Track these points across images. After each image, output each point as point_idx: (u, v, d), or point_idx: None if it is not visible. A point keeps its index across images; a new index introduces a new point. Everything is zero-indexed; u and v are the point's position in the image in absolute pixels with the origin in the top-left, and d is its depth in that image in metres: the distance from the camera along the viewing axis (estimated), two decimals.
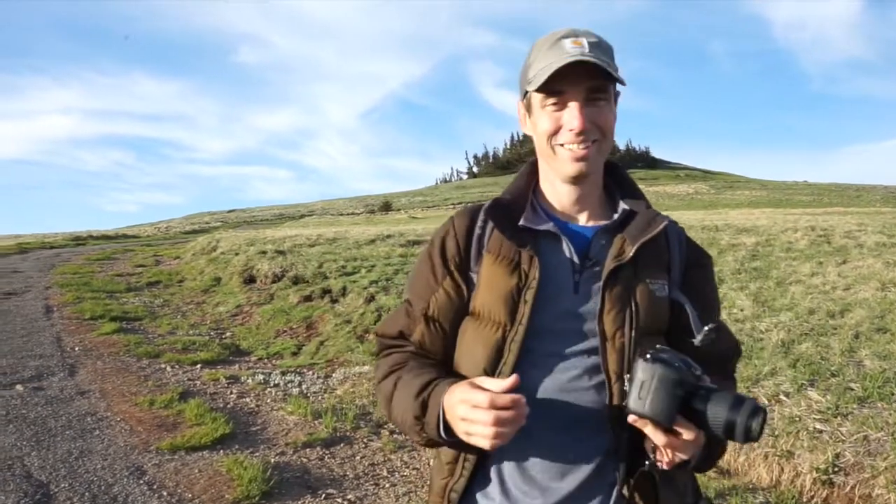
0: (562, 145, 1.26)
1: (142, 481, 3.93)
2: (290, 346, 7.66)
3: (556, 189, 1.34)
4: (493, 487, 1.28)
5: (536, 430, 1.23)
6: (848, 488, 3.49)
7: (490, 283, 1.29)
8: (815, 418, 4.00)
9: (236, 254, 14.24)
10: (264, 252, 13.55)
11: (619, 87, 1.30)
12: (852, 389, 4.23)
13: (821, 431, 3.88)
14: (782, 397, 4.30)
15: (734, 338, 1.42)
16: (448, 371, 1.32)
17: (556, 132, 1.26)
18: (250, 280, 11.65)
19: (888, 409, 3.97)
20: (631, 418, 1.11)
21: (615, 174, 1.41)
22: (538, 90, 1.25)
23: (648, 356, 1.10)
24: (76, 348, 7.51)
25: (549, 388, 1.24)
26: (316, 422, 5.00)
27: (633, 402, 1.10)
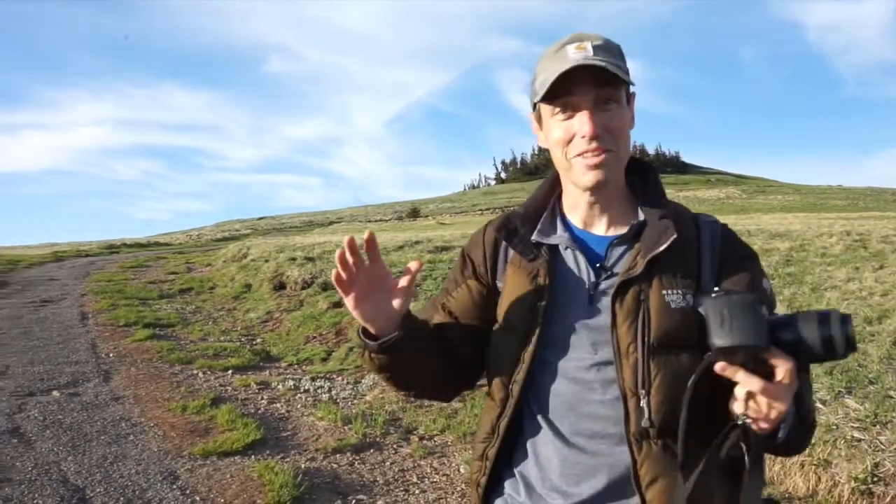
0: (577, 156, 1.24)
1: (175, 486, 3.97)
2: (320, 352, 7.69)
3: (576, 199, 1.33)
4: (519, 484, 1.32)
5: (551, 438, 1.27)
6: (888, 498, 3.40)
7: (510, 293, 1.32)
8: (852, 426, 3.91)
9: (266, 261, 14.36)
10: (294, 259, 13.66)
11: (633, 88, 1.28)
12: (892, 397, 4.14)
13: (859, 440, 3.79)
14: (819, 405, 4.21)
15: None
16: (458, 346, 1.38)
17: (568, 141, 1.24)
18: (280, 286, 11.74)
19: None
20: (719, 367, 1.00)
21: (646, 177, 1.37)
22: (545, 101, 1.24)
23: (715, 292, 1.01)
24: (110, 354, 7.63)
25: (562, 398, 1.26)
26: (346, 427, 5.01)
27: (718, 338, 0.98)
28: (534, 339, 1.26)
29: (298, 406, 5.67)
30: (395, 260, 12.81)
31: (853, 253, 9.91)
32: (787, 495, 3.66)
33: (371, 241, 1.24)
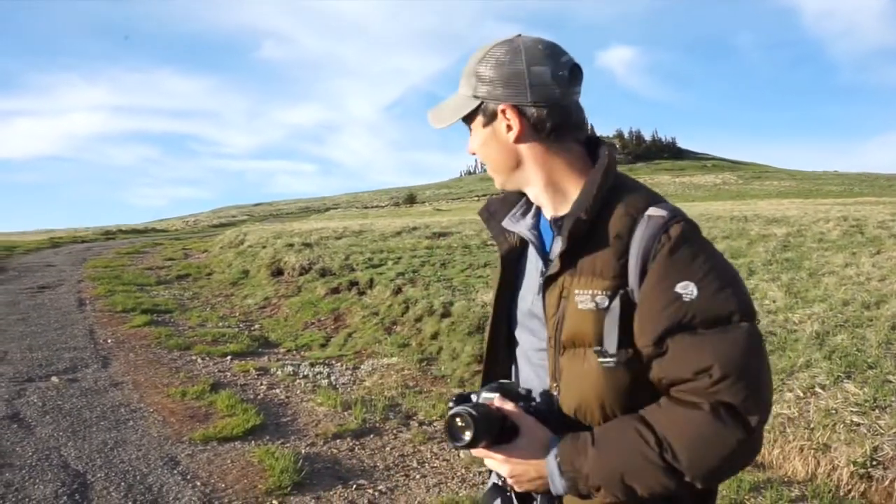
0: None
1: (176, 471, 3.98)
2: (319, 338, 7.70)
3: None
4: None
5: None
6: (887, 482, 3.43)
7: (495, 273, 1.44)
8: (851, 411, 3.93)
9: (263, 247, 14.33)
10: (291, 245, 13.62)
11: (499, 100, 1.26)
12: (890, 382, 4.15)
13: (858, 424, 3.81)
14: (818, 389, 4.23)
15: (701, 362, 1.12)
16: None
17: None
18: (278, 273, 11.71)
19: None
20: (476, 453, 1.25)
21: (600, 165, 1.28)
22: None
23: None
24: (109, 340, 7.62)
25: (527, 374, 1.36)
26: (345, 413, 5.02)
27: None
28: (504, 319, 1.40)
29: (298, 392, 5.67)
30: (394, 246, 12.80)
31: (850, 238, 9.91)
32: (786, 479, 3.68)
33: None
